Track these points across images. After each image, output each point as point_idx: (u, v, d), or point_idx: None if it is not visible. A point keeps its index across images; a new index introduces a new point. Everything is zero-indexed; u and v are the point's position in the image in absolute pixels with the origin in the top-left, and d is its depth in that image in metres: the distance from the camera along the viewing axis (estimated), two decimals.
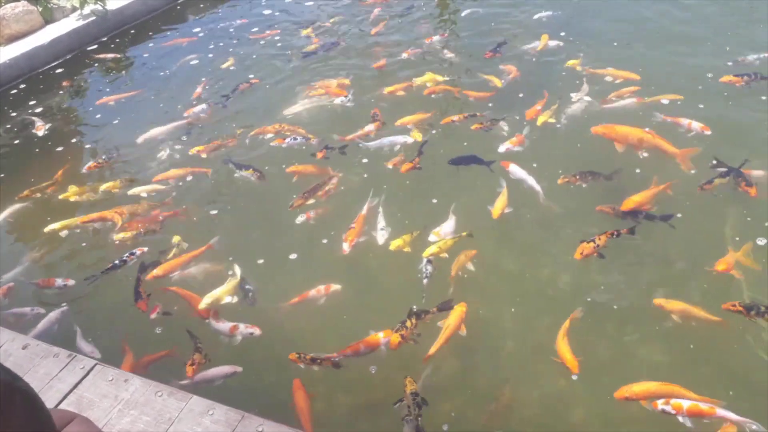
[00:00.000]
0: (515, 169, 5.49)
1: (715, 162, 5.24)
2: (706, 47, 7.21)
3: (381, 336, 4.14)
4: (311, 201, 5.55)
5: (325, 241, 5.14)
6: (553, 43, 7.60)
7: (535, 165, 5.57)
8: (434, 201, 5.41)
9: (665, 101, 6.22)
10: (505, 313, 4.31)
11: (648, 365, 3.85)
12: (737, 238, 4.56)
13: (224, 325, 4.46)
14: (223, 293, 4.67)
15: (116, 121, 7.62)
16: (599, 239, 4.60)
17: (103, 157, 6.80)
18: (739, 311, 4.01)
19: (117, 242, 5.43)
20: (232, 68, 8.45)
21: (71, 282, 5.09)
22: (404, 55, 7.91)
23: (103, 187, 6.20)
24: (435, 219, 5.14)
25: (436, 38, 8.31)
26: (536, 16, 8.42)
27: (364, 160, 6.05)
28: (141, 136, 6.98)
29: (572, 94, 6.52)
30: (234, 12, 10.59)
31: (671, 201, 4.95)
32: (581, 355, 3.86)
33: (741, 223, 4.74)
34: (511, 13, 8.82)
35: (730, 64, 6.63)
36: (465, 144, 6.04)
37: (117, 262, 5.16)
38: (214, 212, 5.72)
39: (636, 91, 6.37)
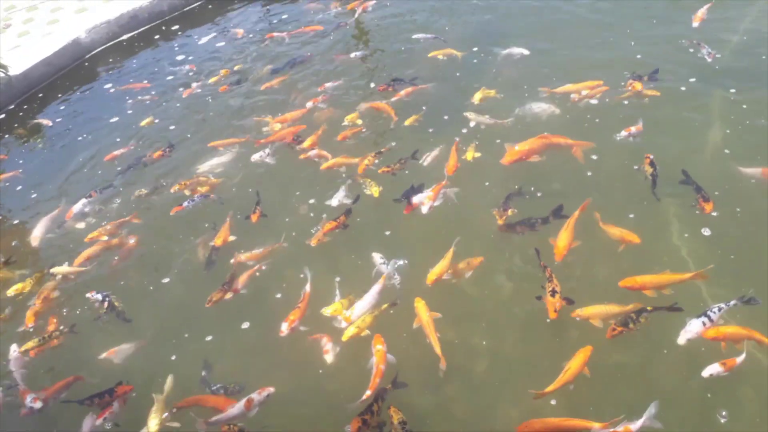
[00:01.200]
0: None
1: (683, 178, 5.69)
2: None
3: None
4: (229, 295, 5.54)
5: (246, 325, 5.36)
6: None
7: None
8: (359, 262, 5.69)
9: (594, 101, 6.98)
10: None
11: None
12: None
13: (238, 407, 4.54)
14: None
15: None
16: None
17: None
18: (621, 331, 4.49)
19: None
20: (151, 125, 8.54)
21: None
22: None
23: (11, 291, 6.09)
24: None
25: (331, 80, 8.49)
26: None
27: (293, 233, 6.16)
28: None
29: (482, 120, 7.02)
30: (145, 62, 10.59)
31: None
32: None
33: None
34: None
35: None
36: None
37: None
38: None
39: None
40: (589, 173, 6.08)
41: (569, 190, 5.93)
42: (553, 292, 4.73)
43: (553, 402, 4.31)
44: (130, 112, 9.03)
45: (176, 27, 11.39)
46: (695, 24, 7.91)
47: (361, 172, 6.56)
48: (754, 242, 5.14)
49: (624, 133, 6.35)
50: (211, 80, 9.26)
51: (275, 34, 10.08)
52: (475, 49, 8.59)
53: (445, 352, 4.54)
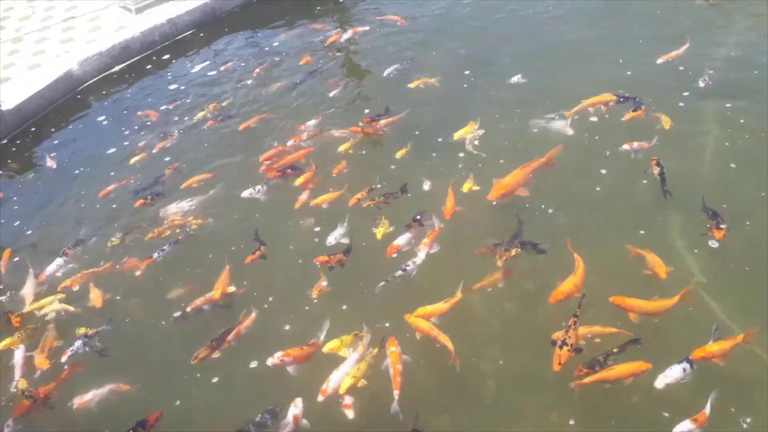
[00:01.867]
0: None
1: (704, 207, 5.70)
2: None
3: None
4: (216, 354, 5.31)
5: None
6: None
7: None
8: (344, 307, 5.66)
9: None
10: None
11: None
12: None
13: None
14: None
15: None
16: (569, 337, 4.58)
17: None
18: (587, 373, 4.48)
19: None
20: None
21: None
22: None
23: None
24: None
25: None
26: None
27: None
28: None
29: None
30: (138, 93, 10.64)
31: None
32: None
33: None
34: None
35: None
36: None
37: None
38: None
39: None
40: (598, 188, 6.29)
41: (573, 210, 6.13)
42: (563, 344, 4.54)
43: (571, 422, 4.38)
44: (126, 143, 9.06)
45: (167, 56, 11.47)
46: (660, 61, 7.74)
47: (351, 205, 6.59)
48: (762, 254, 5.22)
49: (626, 147, 6.50)
50: (199, 115, 9.22)
51: (260, 70, 10.01)
52: (467, 72, 8.75)
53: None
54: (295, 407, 4.69)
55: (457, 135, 7.35)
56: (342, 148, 7.57)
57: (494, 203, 6.17)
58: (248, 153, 8.09)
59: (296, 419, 4.61)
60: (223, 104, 9.42)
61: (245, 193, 7.15)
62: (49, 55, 12.18)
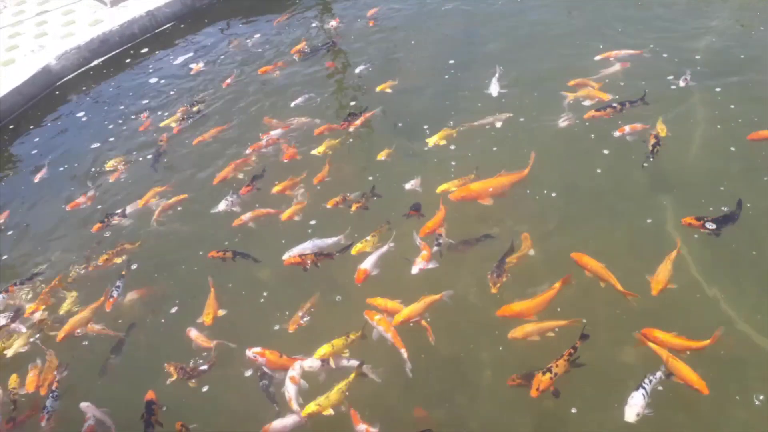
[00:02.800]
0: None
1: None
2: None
3: None
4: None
5: None
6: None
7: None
8: None
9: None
10: None
11: None
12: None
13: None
14: None
15: None
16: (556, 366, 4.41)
17: None
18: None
19: None
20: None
21: None
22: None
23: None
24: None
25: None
26: None
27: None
28: None
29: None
30: (119, 87, 10.41)
31: None
32: None
33: None
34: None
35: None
36: None
37: None
38: None
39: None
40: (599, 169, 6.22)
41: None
42: (546, 371, 4.36)
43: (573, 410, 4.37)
44: (97, 145, 8.85)
45: (146, 50, 11.23)
46: (616, 134, 6.63)
47: (331, 206, 6.40)
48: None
49: (617, 133, 6.47)
50: (165, 123, 8.78)
51: (230, 80, 9.46)
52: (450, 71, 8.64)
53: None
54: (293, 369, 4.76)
55: (431, 141, 7.05)
56: (318, 150, 7.25)
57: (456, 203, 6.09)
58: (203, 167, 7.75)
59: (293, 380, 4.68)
60: (194, 108, 9.00)
61: (221, 206, 6.82)
62: (24, 50, 11.88)
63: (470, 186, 6.06)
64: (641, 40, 8.16)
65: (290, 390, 4.65)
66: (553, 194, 6.09)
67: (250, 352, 4.98)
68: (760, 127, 6.20)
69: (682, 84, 7.13)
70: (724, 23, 8.31)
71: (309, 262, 5.73)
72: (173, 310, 5.87)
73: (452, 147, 6.96)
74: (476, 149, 6.87)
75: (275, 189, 6.86)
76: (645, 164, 6.04)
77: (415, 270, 5.45)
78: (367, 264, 5.55)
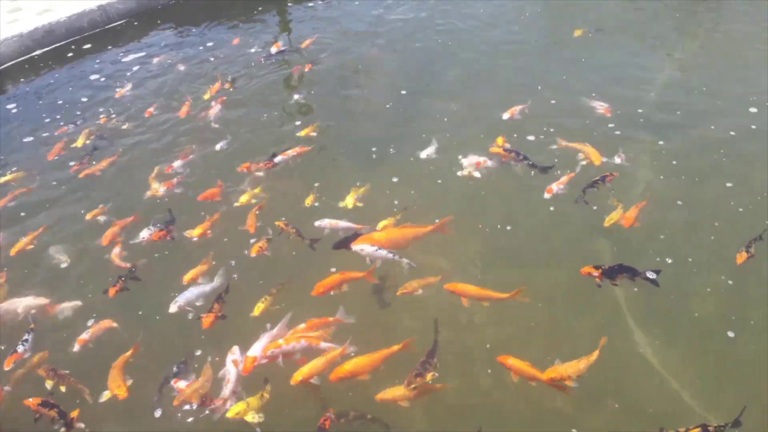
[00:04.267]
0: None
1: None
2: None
3: None
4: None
5: None
6: None
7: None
8: None
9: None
10: None
11: None
12: None
13: None
14: None
15: None
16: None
17: None
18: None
19: None
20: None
21: None
22: None
23: None
24: None
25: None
26: None
27: None
28: None
29: None
30: (54, 83, 9.92)
31: None
32: None
33: None
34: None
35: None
36: None
37: None
38: None
39: None
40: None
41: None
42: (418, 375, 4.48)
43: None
44: (44, 135, 8.45)
45: (89, 45, 10.86)
46: (546, 196, 6.38)
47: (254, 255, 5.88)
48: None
49: (547, 195, 6.32)
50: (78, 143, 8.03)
51: (153, 109, 8.62)
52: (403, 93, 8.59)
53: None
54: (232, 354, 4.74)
55: (342, 204, 6.48)
56: (243, 200, 6.63)
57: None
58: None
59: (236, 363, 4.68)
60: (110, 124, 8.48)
61: (143, 234, 6.23)
62: None
63: (377, 235, 5.70)
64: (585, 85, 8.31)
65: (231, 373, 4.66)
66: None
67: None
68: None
69: (617, 161, 6.76)
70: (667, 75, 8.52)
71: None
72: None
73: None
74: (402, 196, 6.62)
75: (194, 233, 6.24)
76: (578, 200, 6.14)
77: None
78: (255, 350, 4.84)
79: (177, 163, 7.34)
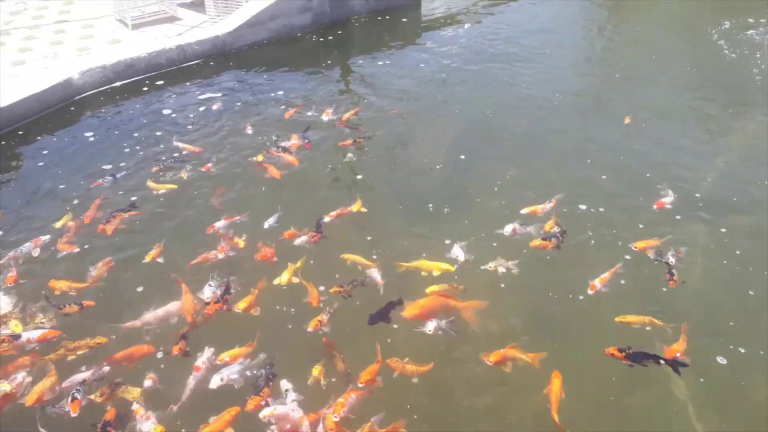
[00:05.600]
0: None
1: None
2: None
3: None
4: None
5: None
6: None
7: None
8: None
9: None
10: None
11: None
12: None
13: None
14: None
15: None
16: None
17: None
18: None
19: None
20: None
21: None
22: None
23: None
24: None
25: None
26: None
27: None
28: None
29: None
30: (128, 116, 10.16)
31: None
32: None
33: None
34: None
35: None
36: None
37: None
38: None
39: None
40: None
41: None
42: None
43: None
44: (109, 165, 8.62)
45: (162, 82, 11.16)
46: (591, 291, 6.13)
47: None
48: None
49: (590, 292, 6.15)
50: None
51: (211, 165, 8.42)
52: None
53: None
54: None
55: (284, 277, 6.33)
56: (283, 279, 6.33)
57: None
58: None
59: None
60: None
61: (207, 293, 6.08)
62: (36, 54, 11.73)
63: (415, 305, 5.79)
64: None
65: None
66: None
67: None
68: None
69: (672, 260, 6.53)
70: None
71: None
72: None
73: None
74: None
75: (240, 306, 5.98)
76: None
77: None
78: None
79: (220, 223, 7.15)
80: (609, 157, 8.51)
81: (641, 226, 7.02)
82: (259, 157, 8.52)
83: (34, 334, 5.54)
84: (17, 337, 5.51)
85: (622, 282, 6.19)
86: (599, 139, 9.08)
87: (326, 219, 7.14)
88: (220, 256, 6.64)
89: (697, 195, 7.56)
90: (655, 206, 7.32)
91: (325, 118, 9.58)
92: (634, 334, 5.58)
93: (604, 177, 8.00)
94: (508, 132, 9.34)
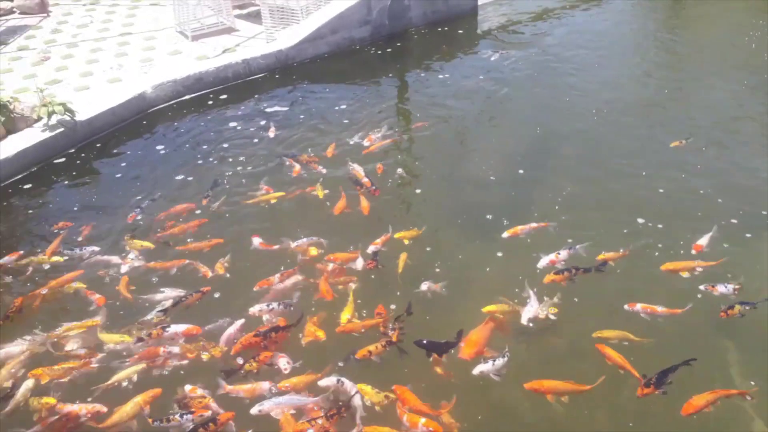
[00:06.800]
0: None
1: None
2: None
3: None
4: None
5: None
6: None
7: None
8: None
9: None
10: None
11: None
12: None
13: None
14: None
15: None
16: None
17: None
18: None
19: None
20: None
21: None
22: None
23: None
24: None
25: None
26: None
27: None
28: None
29: None
30: (200, 127, 10.40)
31: None
32: None
33: None
34: None
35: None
36: None
37: None
38: None
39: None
40: None
41: None
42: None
43: None
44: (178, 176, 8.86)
45: (225, 96, 11.34)
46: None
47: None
48: None
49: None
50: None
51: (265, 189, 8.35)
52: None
53: None
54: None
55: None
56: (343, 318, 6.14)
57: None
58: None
59: None
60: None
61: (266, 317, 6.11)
62: (102, 65, 12.11)
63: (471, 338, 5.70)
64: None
65: None
66: None
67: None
68: None
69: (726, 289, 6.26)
70: None
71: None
72: None
73: None
74: None
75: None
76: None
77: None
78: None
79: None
80: (669, 172, 8.44)
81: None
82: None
83: (180, 328, 5.93)
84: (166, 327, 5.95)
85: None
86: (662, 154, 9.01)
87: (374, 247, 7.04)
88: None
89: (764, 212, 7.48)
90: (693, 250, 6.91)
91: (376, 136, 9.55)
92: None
93: (661, 190, 8.01)
94: (569, 144, 9.40)
